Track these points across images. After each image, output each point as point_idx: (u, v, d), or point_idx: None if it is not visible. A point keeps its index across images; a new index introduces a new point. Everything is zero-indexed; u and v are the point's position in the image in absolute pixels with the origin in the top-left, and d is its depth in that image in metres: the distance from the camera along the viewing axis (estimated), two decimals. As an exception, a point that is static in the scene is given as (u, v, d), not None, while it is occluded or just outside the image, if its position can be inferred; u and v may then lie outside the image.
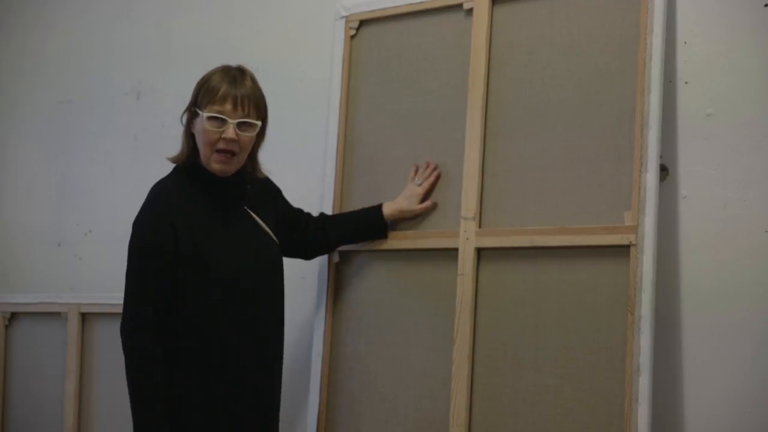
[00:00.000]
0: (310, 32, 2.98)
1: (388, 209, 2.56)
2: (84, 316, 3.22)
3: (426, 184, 2.55)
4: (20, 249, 3.58)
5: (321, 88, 2.85)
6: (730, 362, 2.25)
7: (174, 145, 3.32)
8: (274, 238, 2.43)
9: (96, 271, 3.36)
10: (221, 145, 2.24)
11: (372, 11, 2.74)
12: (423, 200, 2.55)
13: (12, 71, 3.70)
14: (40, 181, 3.57)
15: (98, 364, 3.20)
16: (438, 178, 2.56)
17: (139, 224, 2.29)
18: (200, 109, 2.26)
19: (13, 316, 3.37)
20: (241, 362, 2.28)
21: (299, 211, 2.59)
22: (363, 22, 2.76)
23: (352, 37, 2.78)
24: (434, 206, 2.55)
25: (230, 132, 2.23)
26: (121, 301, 3.10)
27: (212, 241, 2.26)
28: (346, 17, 2.79)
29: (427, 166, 2.56)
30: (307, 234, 2.56)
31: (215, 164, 2.26)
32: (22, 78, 3.66)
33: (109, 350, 3.18)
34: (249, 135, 2.27)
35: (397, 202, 2.56)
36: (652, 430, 2.15)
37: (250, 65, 2.40)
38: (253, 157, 2.39)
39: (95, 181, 3.43)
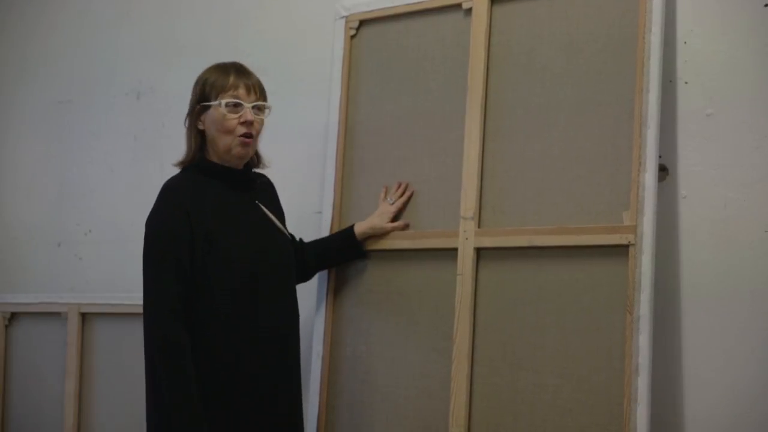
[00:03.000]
0: (310, 32, 2.98)
1: (359, 228, 2.58)
2: (84, 316, 3.22)
3: (398, 203, 2.58)
4: (20, 249, 3.58)
5: (321, 88, 2.85)
6: (729, 362, 2.25)
7: (174, 145, 3.33)
8: (286, 232, 2.44)
9: (96, 271, 3.37)
10: (242, 130, 2.27)
11: (372, 11, 2.74)
12: (394, 219, 2.57)
13: (12, 71, 3.70)
14: (40, 181, 3.58)
15: (98, 364, 3.20)
16: (410, 197, 2.58)
17: (152, 217, 2.28)
18: (212, 101, 2.28)
19: (13, 316, 3.38)
20: (258, 348, 2.26)
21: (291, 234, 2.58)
22: (363, 22, 2.76)
23: (352, 37, 2.78)
24: (406, 227, 2.57)
25: (248, 115, 2.27)
26: (122, 302, 3.15)
27: (226, 229, 2.26)
28: (346, 17, 2.79)
29: (399, 186, 2.59)
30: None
31: (238, 148, 2.28)
32: (22, 78, 3.67)
33: (109, 350, 3.19)
34: (261, 118, 2.32)
35: (369, 219, 2.59)
36: (650, 430, 2.14)
37: (249, 65, 2.41)
38: (257, 150, 2.43)
39: (95, 181, 3.43)
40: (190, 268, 2.21)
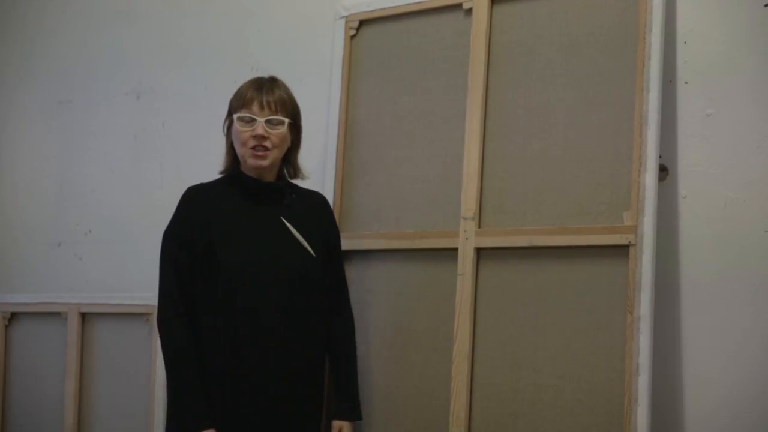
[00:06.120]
0: (310, 32, 2.98)
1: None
2: (84, 316, 3.22)
3: None
4: (20, 249, 3.58)
5: (321, 88, 2.85)
6: (729, 362, 2.25)
7: (174, 145, 3.33)
8: (309, 249, 2.38)
9: (96, 271, 3.37)
10: (252, 142, 2.34)
11: (372, 11, 2.74)
12: None
13: (12, 71, 3.70)
14: (40, 181, 3.57)
15: (98, 364, 3.20)
16: None
17: (169, 224, 2.39)
18: (233, 115, 2.37)
19: (13, 316, 3.38)
20: (246, 359, 2.29)
21: (339, 286, 2.51)
22: (363, 22, 2.76)
23: (352, 37, 2.78)
24: None
25: (259, 129, 2.33)
26: (122, 302, 3.16)
27: (227, 239, 2.32)
28: (346, 17, 2.79)
29: None
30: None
31: (250, 159, 2.36)
32: (22, 78, 3.67)
33: (109, 350, 3.18)
34: (279, 131, 2.35)
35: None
36: (651, 430, 2.15)
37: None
38: (292, 162, 2.46)
39: (95, 181, 3.43)
40: (190, 272, 2.31)
